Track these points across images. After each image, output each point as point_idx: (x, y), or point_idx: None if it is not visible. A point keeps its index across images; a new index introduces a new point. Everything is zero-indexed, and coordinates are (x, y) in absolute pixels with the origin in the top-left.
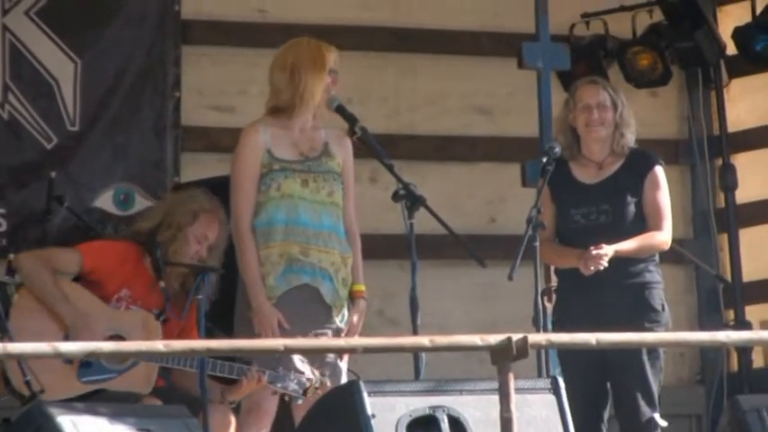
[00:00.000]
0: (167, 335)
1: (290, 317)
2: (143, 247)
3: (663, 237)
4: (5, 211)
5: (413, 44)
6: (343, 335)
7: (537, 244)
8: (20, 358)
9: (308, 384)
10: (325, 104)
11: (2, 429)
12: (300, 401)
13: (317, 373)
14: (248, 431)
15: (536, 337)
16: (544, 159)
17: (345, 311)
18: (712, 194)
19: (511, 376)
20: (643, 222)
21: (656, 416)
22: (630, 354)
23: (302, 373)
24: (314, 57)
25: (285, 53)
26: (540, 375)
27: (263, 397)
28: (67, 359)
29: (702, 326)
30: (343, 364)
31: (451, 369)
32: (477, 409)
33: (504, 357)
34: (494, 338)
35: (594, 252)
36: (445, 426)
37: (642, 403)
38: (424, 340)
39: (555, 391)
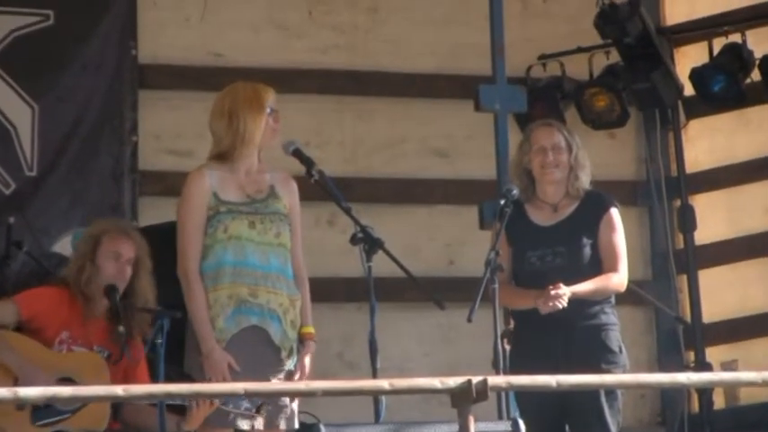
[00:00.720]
0: (113, 371)
1: (240, 359)
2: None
3: (619, 278)
4: None
5: (370, 87)
6: (295, 378)
7: (495, 286)
8: None
9: (259, 402)
10: (281, 147)
11: None
12: (255, 422)
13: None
14: None
15: (496, 380)
16: (501, 201)
17: (295, 355)
18: (671, 236)
19: (471, 419)
20: (598, 264)
21: None
22: (588, 395)
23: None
24: (250, 99)
25: (222, 99)
26: (500, 418)
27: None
28: (19, 405)
29: (662, 367)
30: (295, 407)
31: (411, 411)
32: None
33: (464, 400)
34: (453, 381)
35: (553, 292)
36: None
37: None
38: (383, 383)
39: None
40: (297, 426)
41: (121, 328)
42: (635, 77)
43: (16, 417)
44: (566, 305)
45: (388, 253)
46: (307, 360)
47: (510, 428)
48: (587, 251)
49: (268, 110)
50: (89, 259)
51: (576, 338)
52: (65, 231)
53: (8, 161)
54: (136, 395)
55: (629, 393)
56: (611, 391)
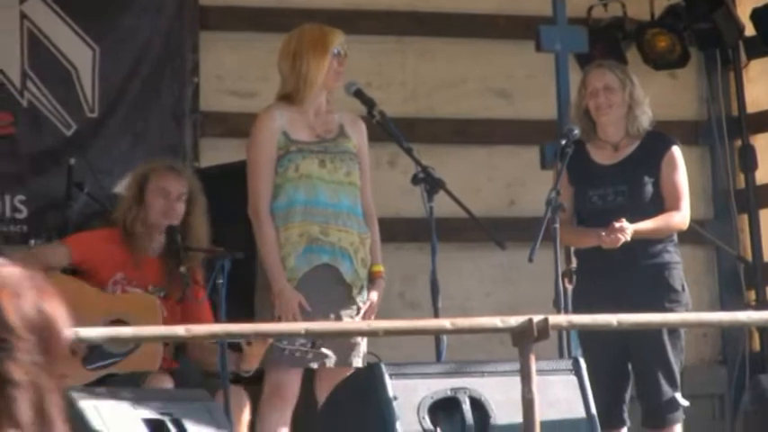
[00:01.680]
0: (172, 311)
1: (311, 299)
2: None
3: (681, 217)
4: (25, 198)
5: (430, 28)
6: (361, 313)
7: (557, 226)
8: None
9: (315, 338)
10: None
11: None
12: (310, 356)
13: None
14: (272, 414)
15: (557, 319)
16: (563, 142)
17: (365, 292)
18: (732, 175)
19: (532, 358)
20: (661, 203)
21: (678, 395)
22: (651, 334)
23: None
24: (315, 41)
25: (288, 41)
26: (561, 357)
27: (285, 378)
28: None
29: (723, 306)
30: (364, 345)
31: (473, 351)
32: (498, 390)
33: (525, 339)
34: (515, 320)
35: (617, 225)
36: (467, 407)
37: (663, 383)
38: (445, 323)
39: (576, 372)
40: (362, 364)
41: (183, 269)
42: (696, 17)
43: (69, 361)
44: (629, 239)
45: (449, 193)
46: (374, 297)
47: (571, 367)
48: (649, 189)
49: (333, 53)
50: (136, 198)
51: (638, 277)
52: (126, 172)
53: (69, 102)
54: (198, 335)
55: (690, 332)
56: (673, 330)
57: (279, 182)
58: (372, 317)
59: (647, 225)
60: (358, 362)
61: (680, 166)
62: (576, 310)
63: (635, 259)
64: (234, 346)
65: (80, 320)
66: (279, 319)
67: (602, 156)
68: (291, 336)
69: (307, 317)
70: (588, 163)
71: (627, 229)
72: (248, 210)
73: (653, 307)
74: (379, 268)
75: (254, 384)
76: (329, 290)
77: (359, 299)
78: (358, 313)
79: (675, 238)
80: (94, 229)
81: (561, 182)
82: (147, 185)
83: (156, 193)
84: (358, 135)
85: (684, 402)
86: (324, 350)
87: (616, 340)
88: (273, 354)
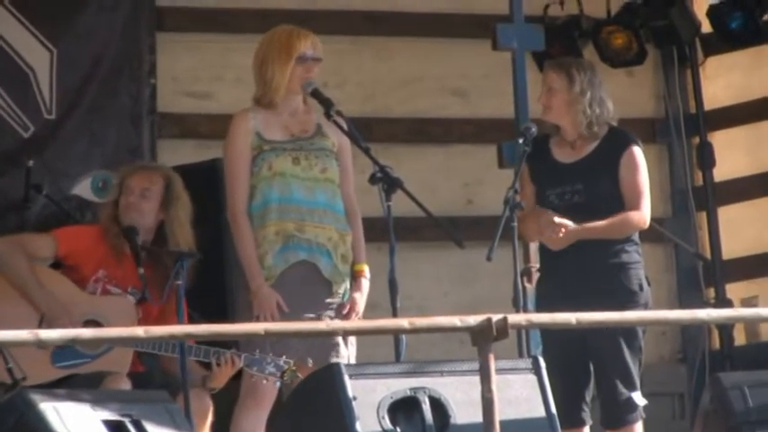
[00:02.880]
0: (146, 317)
1: (289, 298)
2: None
3: (639, 216)
4: None
5: (387, 27)
6: (344, 312)
7: (515, 224)
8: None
9: (285, 367)
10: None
11: None
12: (278, 384)
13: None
14: (247, 414)
15: (516, 318)
16: (520, 140)
17: (347, 290)
18: (690, 173)
19: (491, 357)
20: (619, 203)
21: (635, 395)
22: (607, 335)
23: (280, 356)
24: (280, 47)
25: (260, 44)
26: (520, 356)
27: (260, 379)
28: (41, 344)
29: (683, 304)
30: (351, 347)
31: (431, 351)
32: (458, 390)
33: (484, 338)
34: (473, 320)
35: (556, 220)
36: (426, 407)
37: (619, 383)
38: (403, 322)
39: (536, 371)
40: (354, 361)
41: (141, 271)
42: (652, 15)
43: (37, 355)
44: (560, 236)
45: (407, 192)
46: (357, 296)
47: (531, 366)
48: (606, 189)
49: (298, 57)
50: (114, 201)
51: (594, 278)
52: (84, 174)
53: (27, 104)
54: (156, 336)
55: (650, 331)
56: (630, 330)
57: (254, 182)
58: (356, 317)
59: (599, 224)
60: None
61: (640, 165)
62: (540, 309)
63: (591, 260)
64: (204, 363)
65: (57, 317)
66: (257, 319)
67: (562, 154)
68: (253, 337)
69: (285, 317)
70: (549, 161)
71: (562, 226)
72: (226, 212)
73: (609, 307)
74: (362, 267)
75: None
76: (309, 288)
77: (339, 296)
78: (340, 311)
79: (636, 237)
80: (83, 225)
81: (521, 180)
82: (122, 189)
83: (124, 192)
84: (338, 134)
85: (642, 402)
86: (298, 374)
87: (576, 340)
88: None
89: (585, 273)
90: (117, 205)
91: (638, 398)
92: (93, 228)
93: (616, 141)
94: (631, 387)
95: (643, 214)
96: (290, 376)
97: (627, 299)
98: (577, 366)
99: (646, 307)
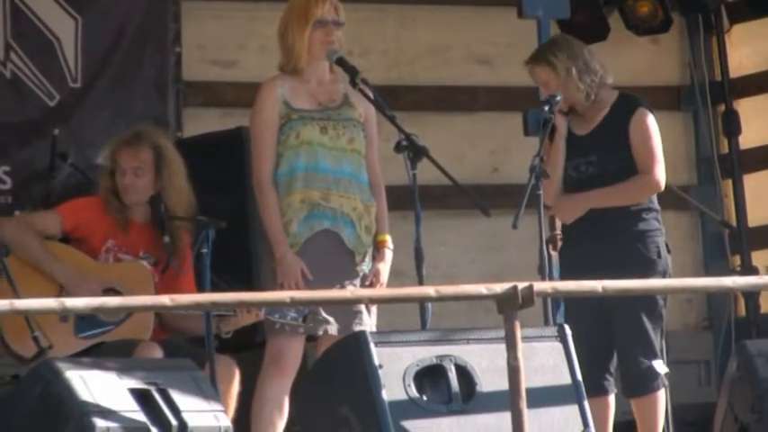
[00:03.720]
0: (161, 279)
1: (313, 266)
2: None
3: (651, 178)
4: (9, 169)
5: None
6: (366, 284)
7: (540, 192)
8: (26, 314)
9: (306, 311)
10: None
11: (11, 386)
12: (302, 330)
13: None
14: (270, 382)
15: (541, 286)
16: (546, 108)
17: (370, 260)
18: (715, 140)
19: (517, 325)
20: (633, 171)
21: (656, 363)
22: (626, 304)
23: None
24: (298, 13)
25: (284, 11)
26: (546, 324)
27: (286, 347)
28: (63, 317)
29: (708, 272)
30: (373, 316)
31: (457, 319)
32: (484, 357)
33: (509, 306)
34: (499, 287)
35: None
36: (452, 375)
37: (639, 352)
38: (429, 290)
39: (562, 338)
40: (374, 328)
41: (167, 239)
42: None
43: (60, 328)
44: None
45: (432, 160)
46: (381, 266)
47: (556, 334)
48: (618, 157)
49: (316, 22)
50: (110, 177)
51: (612, 247)
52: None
53: (52, 73)
54: (183, 304)
55: (675, 298)
56: (649, 298)
57: (281, 150)
58: (380, 287)
59: (607, 189)
60: (359, 330)
61: (650, 128)
62: (563, 277)
63: (608, 229)
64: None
65: (77, 287)
66: (281, 286)
67: (577, 126)
68: (280, 306)
69: (309, 284)
70: (569, 135)
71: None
72: (252, 179)
73: (627, 277)
74: (386, 237)
75: (243, 353)
76: (332, 257)
77: (363, 266)
78: (363, 282)
79: (654, 204)
80: (85, 197)
81: (544, 148)
82: (116, 166)
83: (118, 172)
84: (365, 105)
85: (663, 370)
86: (323, 316)
87: (598, 308)
88: (273, 323)
89: (603, 242)
90: (113, 177)
91: (660, 366)
92: (94, 199)
93: (624, 107)
94: (652, 356)
95: (656, 176)
96: (312, 320)
97: (645, 266)
98: (601, 335)
99: (665, 275)
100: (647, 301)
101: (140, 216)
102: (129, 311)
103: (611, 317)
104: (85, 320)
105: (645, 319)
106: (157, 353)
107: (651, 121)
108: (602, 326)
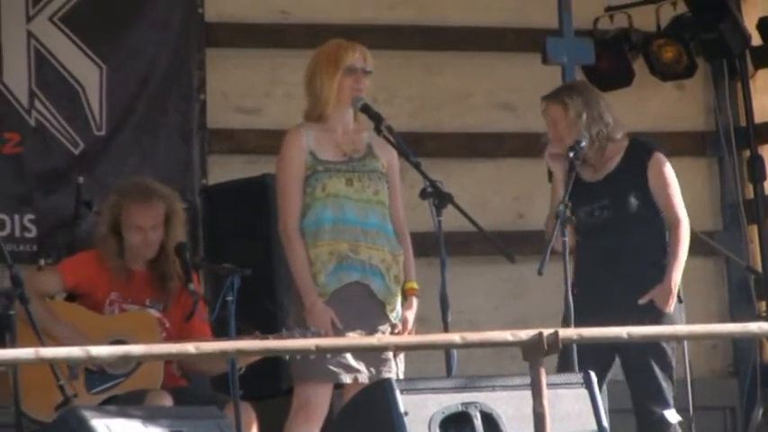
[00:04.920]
0: (173, 325)
1: (342, 315)
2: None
3: (685, 227)
4: (35, 217)
5: (437, 42)
6: (396, 331)
7: (566, 239)
8: (52, 362)
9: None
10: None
11: None
12: (359, 376)
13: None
14: (297, 429)
15: (567, 332)
16: (570, 154)
17: (399, 308)
18: (741, 186)
19: (543, 371)
20: (647, 212)
21: (667, 413)
22: (636, 353)
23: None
24: (328, 59)
25: (310, 60)
26: (561, 369)
27: (315, 393)
28: (73, 374)
29: (734, 318)
30: (400, 363)
31: (483, 366)
32: (509, 405)
33: (535, 353)
34: (525, 334)
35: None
36: (478, 422)
37: (651, 402)
38: (455, 337)
39: (587, 385)
40: (402, 376)
41: (192, 287)
42: (702, 28)
43: (72, 386)
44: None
45: (457, 207)
46: (409, 314)
47: (582, 380)
48: (633, 201)
49: (346, 69)
50: (112, 231)
51: (629, 293)
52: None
53: (77, 121)
54: (207, 351)
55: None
56: (658, 347)
57: (308, 201)
58: (408, 335)
59: (677, 268)
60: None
61: (666, 172)
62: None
63: (626, 273)
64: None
65: (84, 340)
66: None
67: (587, 174)
68: (305, 353)
69: (338, 333)
70: (578, 181)
71: (670, 296)
72: (278, 227)
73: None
74: (413, 285)
75: (264, 400)
76: (361, 307)
77: (392, 316)
78: (392, 330)
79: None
80: (84, 251)
81: (568, 194)
82: (122, 220)
83: (131, 230)
84: (388, 154)
85: (675, 419)
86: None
87: (607, 354)
88: (304, 368)
89: (621, 286)
90: (116, 234)
91: (672, 415)
92: (91, 254)
93: (638, 152)
94: (664, 405)
95: (685, 223)
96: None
97: (658, 316)
98: (604, 361)
99: (677, 320)
100: (656, 350)
101: (139, 264)
102: (151, 359)
103: (621, 365)
104: (96, 375)
105: (655, 368)
106: (167, 401)
107: (666, 163)
108: (607, 355)
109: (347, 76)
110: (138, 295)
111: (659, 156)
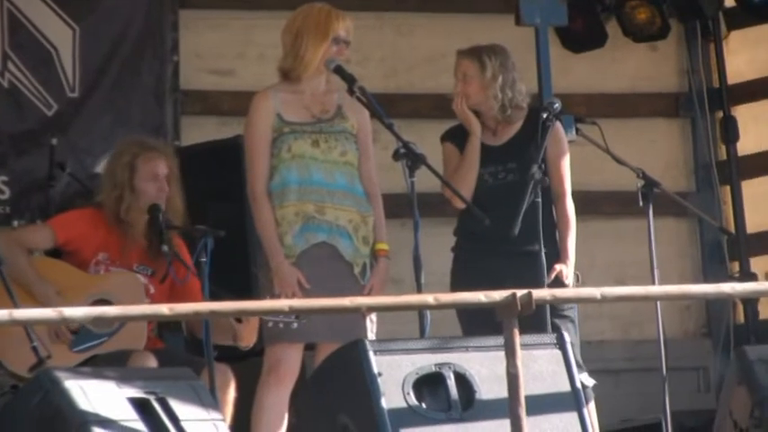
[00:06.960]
0: (159, 289)
1: (310, 276)
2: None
3: (571, 201)
4: (8, 179)
5: (409, 3)
6: (364, 293)
7: (539, 200)
8: (25, 324)
9: (290, 294)
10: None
11: (10, 396)
12: (295, 326)
13: None
14: (268, 391)
15: (540, 293)
16: (544, 115)
17: (368, 270)
18: (714, 147)
19: (516, 332)
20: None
21: (581, 376)
22: (538, 320)
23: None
24: (318, 24)
25: (295, 17)
26: (541, 330)
27: (285, 355)
28: (56, 333)
29: (707, 278)
30: (373, 325)
31: (456, 327)
32: (483, 365)
33: (508, 314)
34: (498, 295)
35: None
36: (452, 383)
37: None
38: (428, 298)
39: (561, 346)
40: (374, 337)
41: (166, 248)
42: None
43: (55, 347)
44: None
45: (430, 168)
46: (377, 276)
47: (555, 341)
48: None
49: (334, 38)
50: (128, 187)
51: (517, 263)
52: (107, 152)
53: (50, 82)
54: (181, 314)
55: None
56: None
57: (274, 163)
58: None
59: (568, 246)
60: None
61: (565, 145)
62: (454, 289)
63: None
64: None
65: (65, 302)
66: (278, 296)
67: (486, 138)
68: (278, 313)
69: (306, 293)
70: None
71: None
72: (246, 190)
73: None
74: (383, 246)
75: (241, 361)
76: (329, 268)
77: (362, 277)
78: (362, 292)
79: None
80: (77, 209)
81: (541, 156)
82: (136, 174)
83: (148, 179)
84: (358, 115)
85: (590, 382)
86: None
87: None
88: (271, 331)
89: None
90: (132, 191)
91: (586, 378)
92: (90, 211)
93: (538, 120)
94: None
95: (570, 199)
96: (305, 317)
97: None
98: None
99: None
100: (559, 314)
101: (138, 230)
102: (126, 321)
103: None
104: (80, 334)
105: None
106: (151, 362)
107: (565, 137)
108: None
109: (334, 44)
110: (126, 260)
111: (559, 126)
